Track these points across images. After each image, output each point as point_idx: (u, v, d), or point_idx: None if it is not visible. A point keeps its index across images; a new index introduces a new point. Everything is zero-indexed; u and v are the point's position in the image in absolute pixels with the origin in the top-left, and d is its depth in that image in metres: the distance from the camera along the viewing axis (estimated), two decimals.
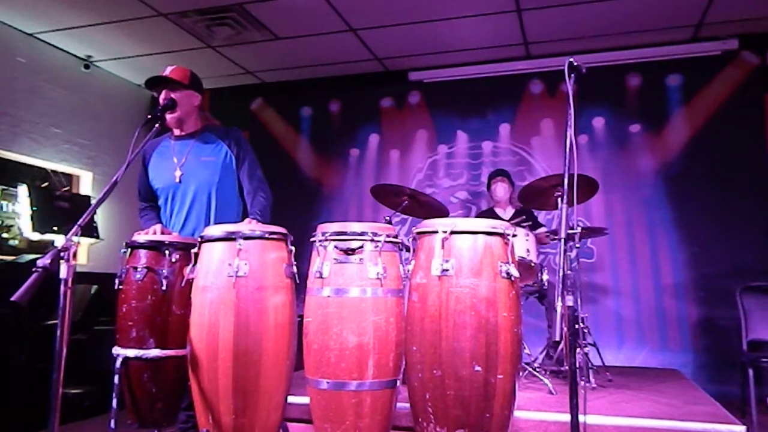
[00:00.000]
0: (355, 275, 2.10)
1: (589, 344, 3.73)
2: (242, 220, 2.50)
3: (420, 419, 1.98)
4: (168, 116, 2.64)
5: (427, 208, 3.61)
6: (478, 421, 1.89)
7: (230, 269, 2.06)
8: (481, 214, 4.60)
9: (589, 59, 4.87)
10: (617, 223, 5.06)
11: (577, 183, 1.97)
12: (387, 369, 2.08)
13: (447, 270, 1.96)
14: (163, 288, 2.33)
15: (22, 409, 3.42)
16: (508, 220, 3.99)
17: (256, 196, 2.65)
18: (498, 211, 4.40)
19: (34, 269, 1.62)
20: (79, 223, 1.85)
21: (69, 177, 5.45)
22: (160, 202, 2.75)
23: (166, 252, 2.37)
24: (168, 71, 2.68)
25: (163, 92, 2.64)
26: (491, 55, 5.36)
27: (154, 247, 2.38)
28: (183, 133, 2.74)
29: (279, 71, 5.85)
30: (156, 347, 2.29)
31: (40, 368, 3.40)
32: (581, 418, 1.80)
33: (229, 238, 2.11)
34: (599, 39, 4.98)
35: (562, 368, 3.68)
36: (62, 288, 1.70)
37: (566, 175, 1.98)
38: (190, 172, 2.66)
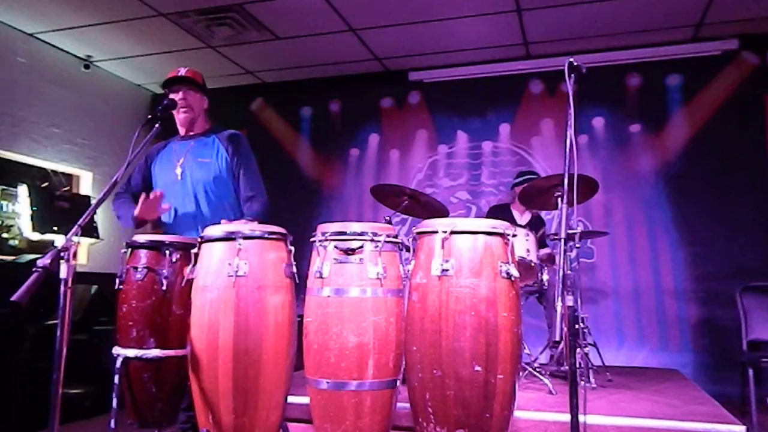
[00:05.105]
0: (355, 275, 2.09)
1: (589, 344, 3.73)
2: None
3: (420, 419, 1.98)
4: (183, 115, 2.69)
5: (427, 208, 3.60)
6: (478, 421, 1.89)
7: (230, 269, 2.06)
8: (495, 209, 4.44)
9: (589, 59, 4.86)
10: (617, 223, 5.05)
11: (577, 183, 1.97)
12: (387, 369, 2.08)
13: (447, 270, 1.96)
14: (163, 288, 2.34)
15: (22, 409, 3.42)
16: (522, 226, 3.96)
17: (252, 203, 2.68)
18: (514, 212, 4.27)
19: (34, 269, 1.62)
20: (79, 223, 1.85)
21: (69, 177, 5.45)
22: None
23: (166, 252, 2.37)
24: (184, 72, 2.71)
25: (181, 92, 2.69)
26: (491, 55, 5.36)
27: (154, 247, 2.39)
28: (187, 135, 2.79)
29: (279, 71, 5.84)
30: (156, 347, 2.29)
31: (40, 368, 3.40)
32: (581, 418, 1.80)
33: (229, 237, 2.11)
34: (599, 39, 4.98)
35: (561, 368, 3.68)
36: (62, 288, 1.70)
37: (566, 175, 1.98)
38: (187, 171, 2.70)
